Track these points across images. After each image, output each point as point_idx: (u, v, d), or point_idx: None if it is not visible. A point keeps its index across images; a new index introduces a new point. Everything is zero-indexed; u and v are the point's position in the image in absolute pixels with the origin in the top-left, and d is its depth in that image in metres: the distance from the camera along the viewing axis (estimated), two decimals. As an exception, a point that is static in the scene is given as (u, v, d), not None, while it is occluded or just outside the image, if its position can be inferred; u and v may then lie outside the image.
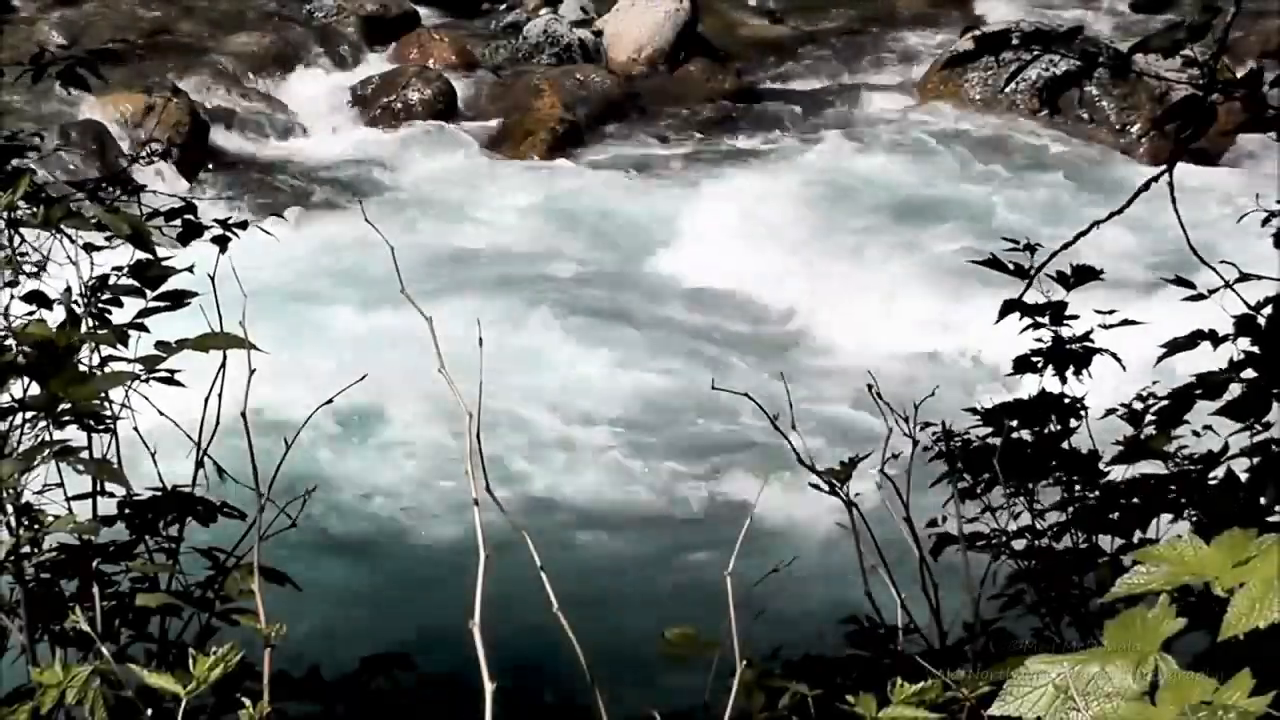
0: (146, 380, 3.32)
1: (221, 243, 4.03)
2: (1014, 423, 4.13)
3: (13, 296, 3.47)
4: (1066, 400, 4.18)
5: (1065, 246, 3.95)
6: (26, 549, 3.16)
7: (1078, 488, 4.17)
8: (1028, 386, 4.30)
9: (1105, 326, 4.20)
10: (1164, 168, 3.70)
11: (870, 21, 14.87)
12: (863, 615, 3.76)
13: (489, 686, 2.17)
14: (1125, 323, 4.19)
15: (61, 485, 3.36)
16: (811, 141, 12.47)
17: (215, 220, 4.07)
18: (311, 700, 3.54)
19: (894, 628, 3.59)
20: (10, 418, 3.15)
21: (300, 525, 3.36)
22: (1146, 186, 3.75)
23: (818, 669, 3.43)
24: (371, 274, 8.77)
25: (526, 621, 2.47)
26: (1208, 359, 3.98)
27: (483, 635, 2.21)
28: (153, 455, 3.70)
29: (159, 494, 3.66)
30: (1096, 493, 4.15)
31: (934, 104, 12.75)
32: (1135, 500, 4.07)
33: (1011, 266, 4.11)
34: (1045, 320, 4.19)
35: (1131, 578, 2.02)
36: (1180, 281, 4.04)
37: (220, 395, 3.65)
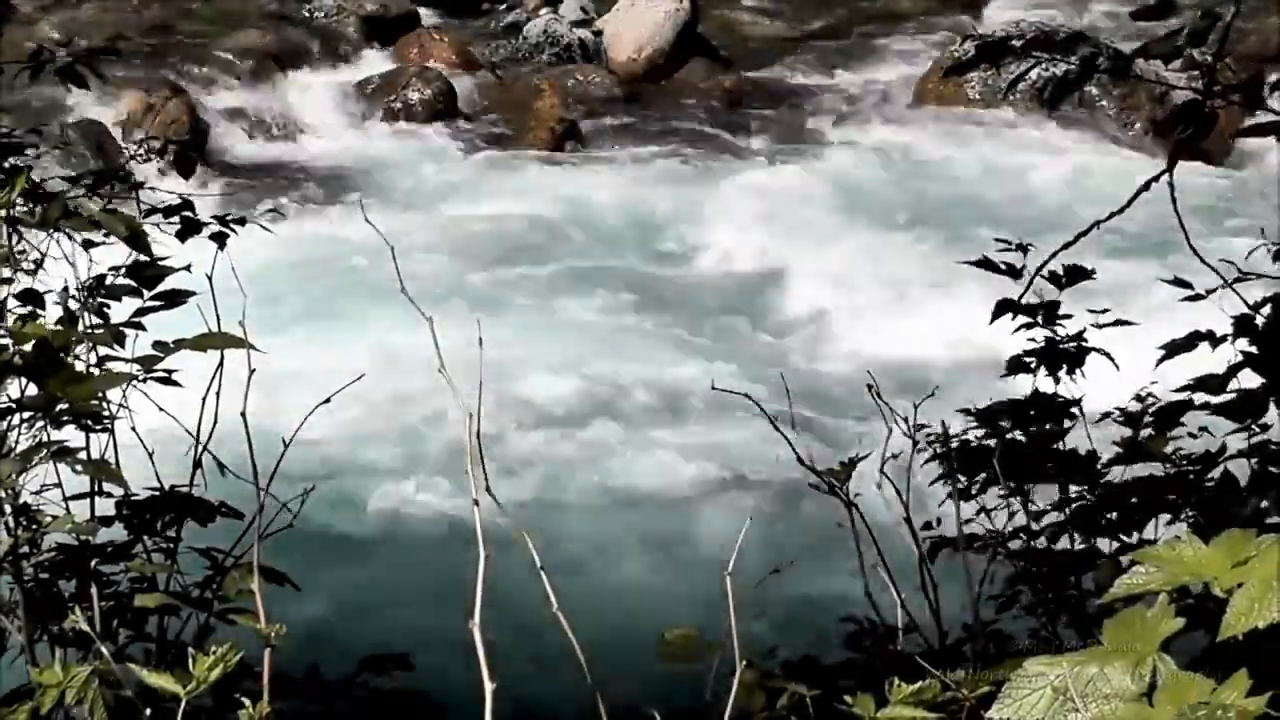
0: (144, 380, 3.31)
1: (220, 239, 4.02)
2: (1008, 424, 4.11)
3: (8, 295, 3.46)
4: (1060, 400, 4.17)
5: (1065, 247, 3.94)
6: (25, 549, 3.16)
7: (1076, 488, 4.16)
8: (1028, 387, 4.29)
9: (1098, 326, 4.18)
10: (1164, 168, 3.70)
11: (870, 20, 14.87)
12: (862, 615, 3.76)
13: (489, 686, 2.16)
14: (1119, 323, 4.17)
15: (59, 485, 3.36)
16: (811, 141, 12.48)
17: (213, 217, 4.05)
18: (311, 700, 3.53)
19: (894, 628, 3.59)
20: (8, 418, 3.15)
21: (299, 525, 3.36)
22: (1146, 187, 3.75)
23: (817, 669, 3.43)
24: (371, 273, 8.78)
25: (526, 621, 2.47)
26: (1212, 360, 3.96)
27: (483, 635, 2.20)
28: (150, 455, 3.69)
29: (157, 494, 3.65)
30: (1095, 494, 4.14)
31: (933, 103, 12.75)
32: (1133, 501, 4.06)
33: (1003, 267, 4.10)
34: (1039, 321, 4.17)
35: (1130, 578, 2.02)
36: (1178, 282, 4.02)
37: (219, 395, 3.65)
